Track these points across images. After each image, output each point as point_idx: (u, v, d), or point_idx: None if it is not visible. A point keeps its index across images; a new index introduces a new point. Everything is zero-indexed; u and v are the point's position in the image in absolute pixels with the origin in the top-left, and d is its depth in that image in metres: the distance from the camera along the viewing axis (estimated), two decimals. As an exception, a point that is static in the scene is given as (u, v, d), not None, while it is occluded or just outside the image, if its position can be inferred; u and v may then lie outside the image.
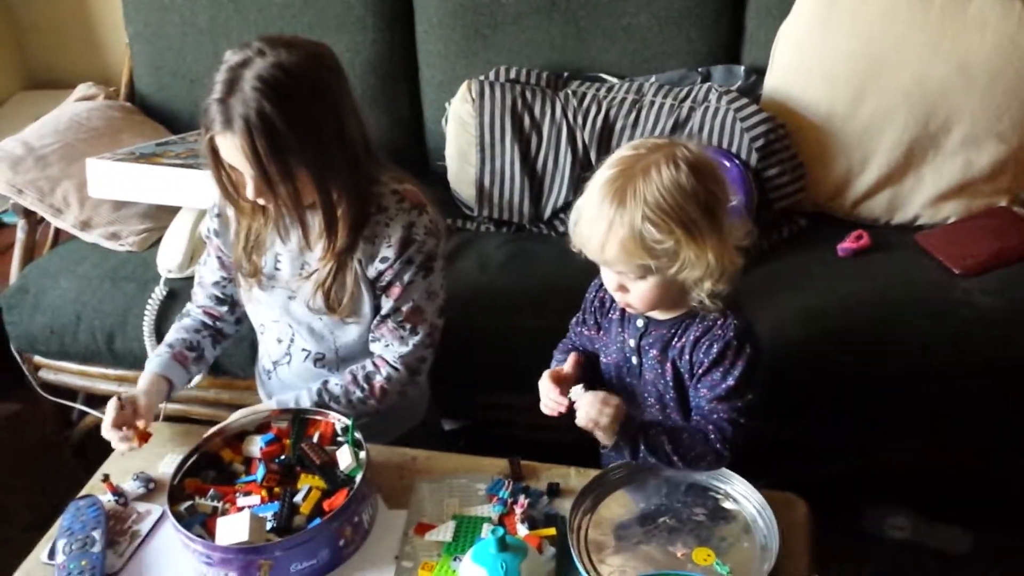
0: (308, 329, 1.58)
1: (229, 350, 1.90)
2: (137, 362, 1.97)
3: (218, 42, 2.38)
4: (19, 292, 2.06)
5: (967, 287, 1.81)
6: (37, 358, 2.14)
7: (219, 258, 1.62)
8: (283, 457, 1.40)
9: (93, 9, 2.81)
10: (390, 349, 1.54)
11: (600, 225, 1.24)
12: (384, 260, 1.49)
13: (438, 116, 2.30)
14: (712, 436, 1.31)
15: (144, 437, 1.46)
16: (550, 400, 1.38)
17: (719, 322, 1.32)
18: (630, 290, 1.30)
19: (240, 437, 1.45)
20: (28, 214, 2.18)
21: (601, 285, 1.43)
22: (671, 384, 1.38)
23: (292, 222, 1.49)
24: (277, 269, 1.55)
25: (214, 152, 1.40)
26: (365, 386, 1.53)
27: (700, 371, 1.33)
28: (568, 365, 1.44)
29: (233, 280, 1.63)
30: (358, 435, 1.39)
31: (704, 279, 1.26)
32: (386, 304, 1.52)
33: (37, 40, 2.92)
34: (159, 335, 1.94)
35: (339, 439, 1.42)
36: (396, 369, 1.53)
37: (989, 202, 2.01)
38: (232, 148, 1.35)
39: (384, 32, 2.32)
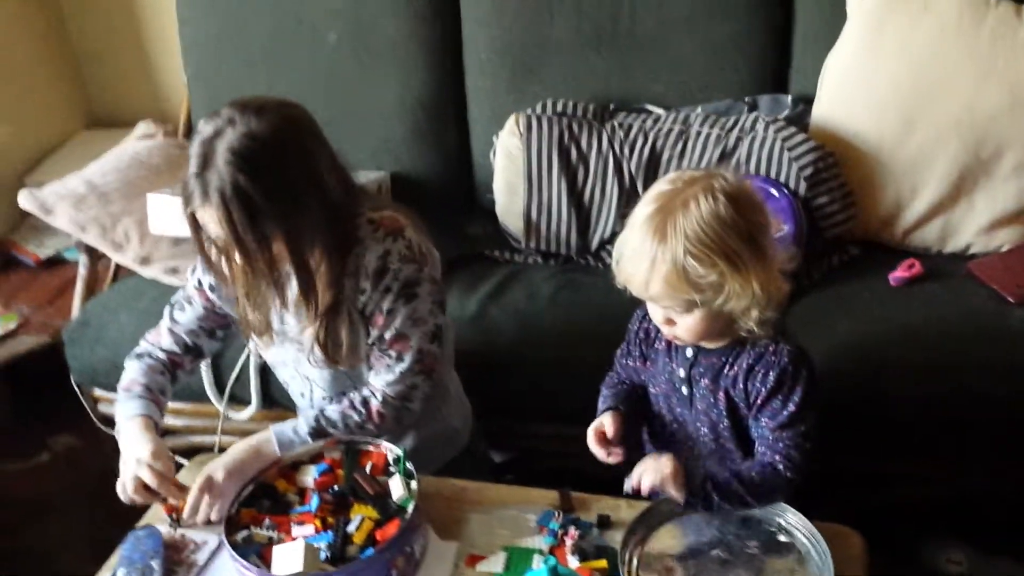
0: (328, 378, 1.58)
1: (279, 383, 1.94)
2: (194, 394, 2.02)
3: (273, 81, 2.44)
4: (80, 327, 2.12)
5: (1022, 315, 1.78)
6: (97, 391, 2.19)
7: (205, 307, 1.60)
8: (336, 487, 1.42)
9: (152, 50, 2.90)
10: (379, 377, 1.52)
11: (643, 262, 1.24)
12: (362, 291, 1.48)
13: (486, 150, 2.32)
14: (781, 467, 1.30)
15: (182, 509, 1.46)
16: (602, 457, 1.39)
17: (771, 348, 1.32)
18: (677, 323, 1.30)
19: (294, 467, 1.47)
20: (90, 250, 2.24)
21: (645, 316, 1.44)
22: (724, 413, 1.37)
23: (268, 287, 1.47)
24: (283, 324, 1.56)
25: (195, 224, 1.41)
26: (362, 410, 1.50)
27: (759, 401, 1.32)
28: (610, 425, 1.40)
29: (210, 333, 1.63)
30: (410, 465, 1.41)
31: (751, 308, 1.26)
32: (372, 333, 1.51)
33: (98, 81, 3.00)
34: (215, 369, 1.98)
35: (391, 469, 1.44)
36: (388, 396, 1.51)
37: (1043, 230, 1.98)
38: (211, 221, 1.36)
39: (433, 70, 2.35)
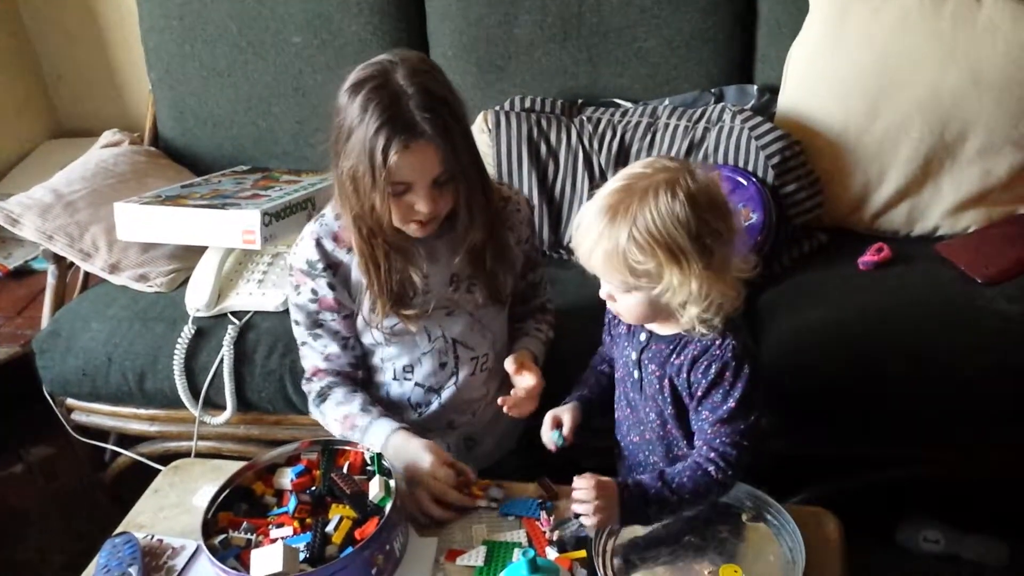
0: (471, 336, 1.63)
1: (258, 385, 1.93)
2: (168, 401, 2.01)
3: (238, 85, 2.43)
4: (51, 336, 2.10)
5: (990, 295, 1.79)
6: (69, 400, 2.17)
7: (345, 316, 1.59)
8: (314, 488, 1.41)
9: (116, 57, 2.87)
10: (549, 311, 1.78)
11: (590, 234, 1.27)
12: (527, 240, 1.67)
13: (456, 147, 2.32)
14: (712, 469, 1.30)
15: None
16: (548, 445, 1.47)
17: (717, 342, 1.32)
18: (617, 300, 1.33)
19: (271, 470, 1.47)
20: (58, 259, 2.22)
21: None
22: (669, 400, 1.38)
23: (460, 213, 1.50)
24: (427, 291, 1.56)
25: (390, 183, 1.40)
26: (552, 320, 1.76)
27: (700, 393, 1.33)
28: (568, 413, 1.48)
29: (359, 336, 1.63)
30: (386, 463, 1.41)
31: (688, 304, 1.27)
32: (537, 271, 1.74)
33: (62, 90, 2.98)
34: (189, 374, 1.96)
35: (368, 468, 1.43)
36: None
37: (1009, 210, 2.00)
38: (422, 154, 1.39)
39: (400, 68, 2.35)
